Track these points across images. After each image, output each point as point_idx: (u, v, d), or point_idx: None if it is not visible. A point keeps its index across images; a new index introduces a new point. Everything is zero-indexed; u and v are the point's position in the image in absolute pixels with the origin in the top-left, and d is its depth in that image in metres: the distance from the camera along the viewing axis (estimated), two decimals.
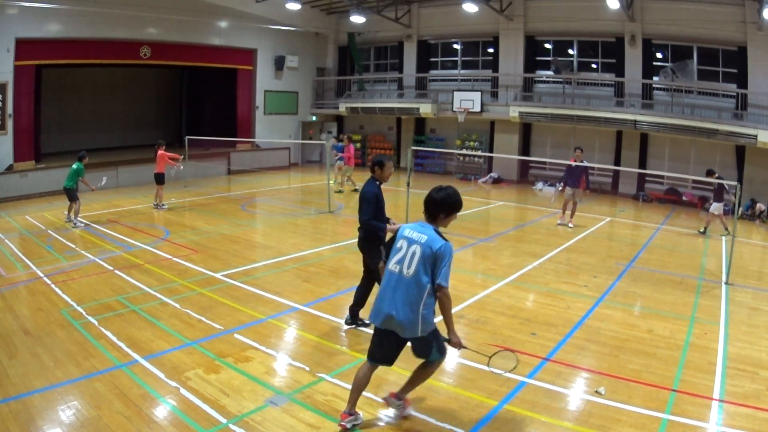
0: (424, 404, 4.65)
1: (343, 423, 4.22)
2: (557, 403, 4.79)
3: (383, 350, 4.22)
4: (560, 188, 12.76)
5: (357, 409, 4.30)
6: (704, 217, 12.80)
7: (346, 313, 6.41)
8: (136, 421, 4.26)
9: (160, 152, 13.01)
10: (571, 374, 5.32)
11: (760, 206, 14.52)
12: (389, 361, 4.28)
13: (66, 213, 11.56)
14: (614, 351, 5.84)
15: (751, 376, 5.32)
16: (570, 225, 12.34)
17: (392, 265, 4.07)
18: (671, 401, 4.80)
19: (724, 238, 11.81)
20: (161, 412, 4.45)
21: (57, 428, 4.16)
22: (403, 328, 3.99)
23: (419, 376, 4.36)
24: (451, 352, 5.76)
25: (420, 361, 4.31)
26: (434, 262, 3.89)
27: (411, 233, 4.04)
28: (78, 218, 11.39)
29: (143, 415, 4.35)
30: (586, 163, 12.93)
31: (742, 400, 4.85)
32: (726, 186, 11.96)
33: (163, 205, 13.20)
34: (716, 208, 12.06)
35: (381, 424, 4.38)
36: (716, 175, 12.00)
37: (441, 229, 4.08)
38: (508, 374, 4.50)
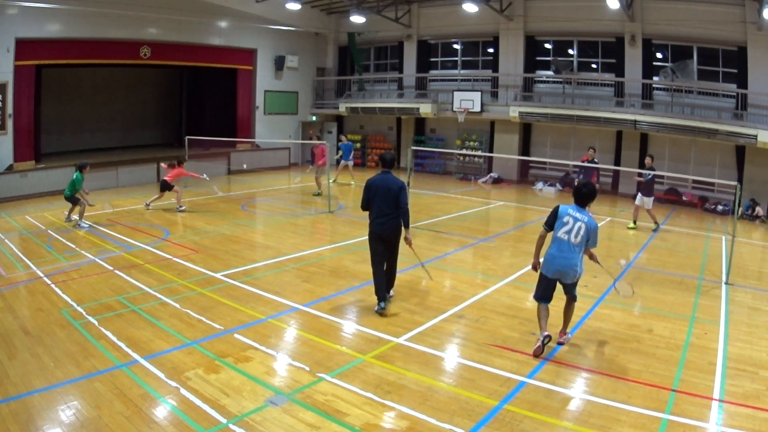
0: (424, 404, 4.64)
1: (560, 340, 5.95)
2: (557, 403, 4.79)
3: (549, 292, 5.83)
4: (561, 188, 12.84)
5: None
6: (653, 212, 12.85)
7: (346, 313, 6.41)
8: (136, 421, 4.26)
9: (178, 169, 13.00)
10: (571, 374, 5.32)
11: (759, 210, 14.52)
12: (551, 298, 5.90)
13: (66, 213, 11.56)
14: (614, 351, 5.85)
15: (751, 376, 5.32)
16: None
17: (561, 234, 5.65)
18: (671, 401, 4.80)
19: (726, 238, 11.79)
20: (161, 412, 4.45)
21: (57, 428, 4.16)
22: (566, 276, 5.70)
23: (568, 313, 5.99)
24: (450, 352, 5.77)
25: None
26: (592, 234, 5.66)
27: (575, 213, 5.68)
28: (83, 220, 11.34)
29: (143, 415, 4.35)
30: (596, 162, 13.03)
31: (742, 400, 4.85)
32: (655, 179, 11.80)
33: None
34: (646, 202, 11.90)
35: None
36: (651, 163, 11.81)
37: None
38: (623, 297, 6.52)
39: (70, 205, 11.37)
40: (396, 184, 6.59)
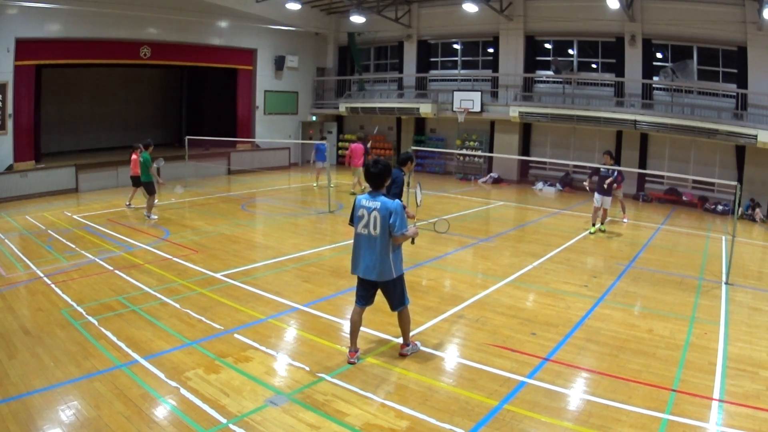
0: (424, 404, 4.64)
1: (352, 360, 5.31)
2: (557, 403, 4.79)
3: (365, 293, 5.32)
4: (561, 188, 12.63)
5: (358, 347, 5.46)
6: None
7: (346, 313, 6.40)
8: (136, 421, 4.26)
9: (133, 157, 12.34)
10: (571, 374, 5.32)
11: (758, 212, 14.50)
12: (369, 301, 5.39)
13: (145, 211, 11.73)
14: (614, 351, 5.84)
15: (751, 376, 5.32)
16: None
17: (360, 229, 5.15)
18: (671, 401, 4.80)
19: (726, 238, 11.78)
20: (161, 412, 4.45)
21: (57, 428, 4.16)
22: (376, 273, 5.11)
23: (402, 324, 5.47)
24: (450, 352, 5.77)
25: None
26: (387, 219, 5.00)
27: (367, 203, 5.12)
28: (151, 213, 11.32)
29: (143, 415, 4.35)
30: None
31: (742, 400, 4.85)
32: (612, 177, 11.14)
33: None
34: (605, 201, 11.35)
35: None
36: (612, 161, 11.25)
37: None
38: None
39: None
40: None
